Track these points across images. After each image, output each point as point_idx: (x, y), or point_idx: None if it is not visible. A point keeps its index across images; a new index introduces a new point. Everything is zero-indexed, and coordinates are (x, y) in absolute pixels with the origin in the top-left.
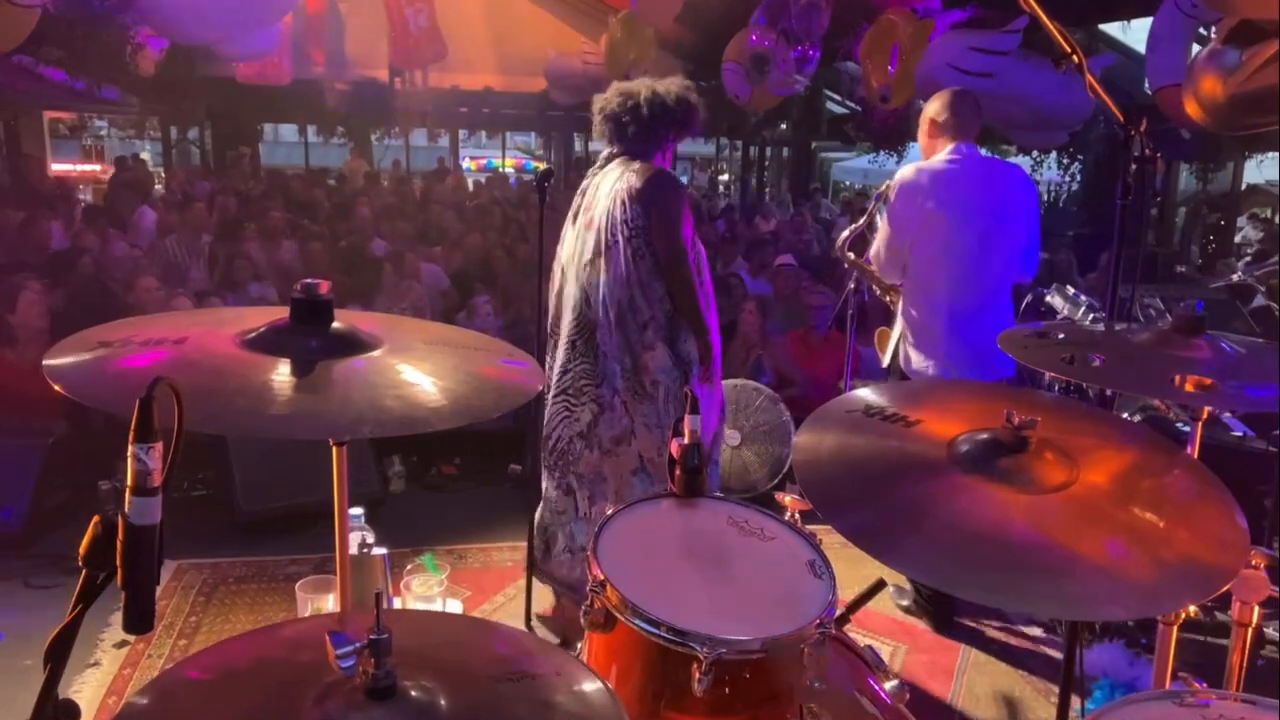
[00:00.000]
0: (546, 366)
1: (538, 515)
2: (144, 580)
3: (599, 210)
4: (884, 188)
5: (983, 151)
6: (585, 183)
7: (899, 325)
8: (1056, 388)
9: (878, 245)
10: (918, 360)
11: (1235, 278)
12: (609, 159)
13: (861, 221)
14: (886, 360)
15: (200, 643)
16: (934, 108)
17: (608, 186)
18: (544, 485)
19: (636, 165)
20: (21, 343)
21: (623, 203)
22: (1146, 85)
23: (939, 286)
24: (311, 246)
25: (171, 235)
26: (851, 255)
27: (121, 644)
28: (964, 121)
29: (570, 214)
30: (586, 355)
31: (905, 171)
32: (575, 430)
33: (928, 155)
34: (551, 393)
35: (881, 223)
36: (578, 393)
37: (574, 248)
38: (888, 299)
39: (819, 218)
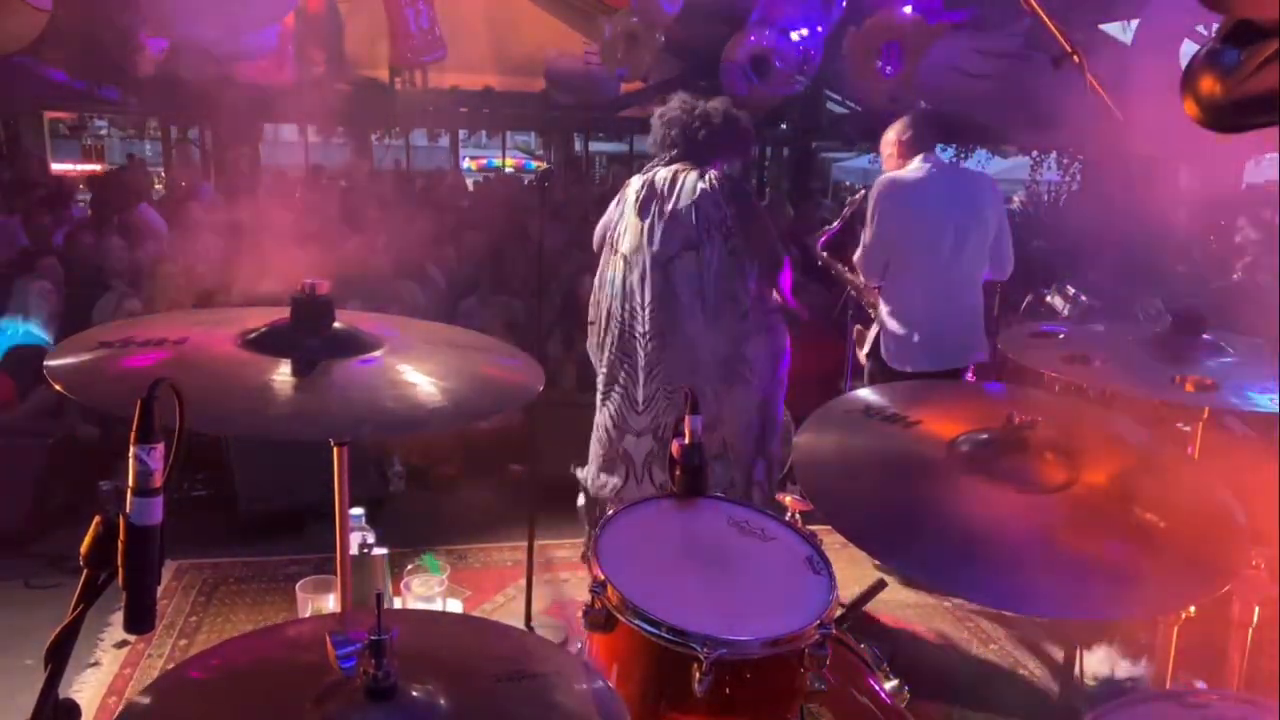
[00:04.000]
0: (607, 356)
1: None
2: (145, 580)
3: (684, 206)
4: (859, 194)
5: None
6: (644, 178)
7: (877, 322)
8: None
9: (860, 249)
10: (898, 351)
11: (1235, 278)
12: (668, 163)
13: (837, 224)
14: (863, 355)
15: (201, 643)
16: (897, 129)
17: (690, 185)
18: (629, 486)
19: (711, 170)
20: None
21: (716, 203)
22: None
23: (916, 282)
24: (315, 246)
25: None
26: (826, 255)
27: (122, 644)
28: (924, 135)
29: (632, 207)
30: (675, 345)
31: (883, 179)
32: (675, 417)
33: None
34: (650, 382)
35: (864, 228)
36: (670, 380)
37: (641, 240)
38: (865, 301)
39: (819, 218)
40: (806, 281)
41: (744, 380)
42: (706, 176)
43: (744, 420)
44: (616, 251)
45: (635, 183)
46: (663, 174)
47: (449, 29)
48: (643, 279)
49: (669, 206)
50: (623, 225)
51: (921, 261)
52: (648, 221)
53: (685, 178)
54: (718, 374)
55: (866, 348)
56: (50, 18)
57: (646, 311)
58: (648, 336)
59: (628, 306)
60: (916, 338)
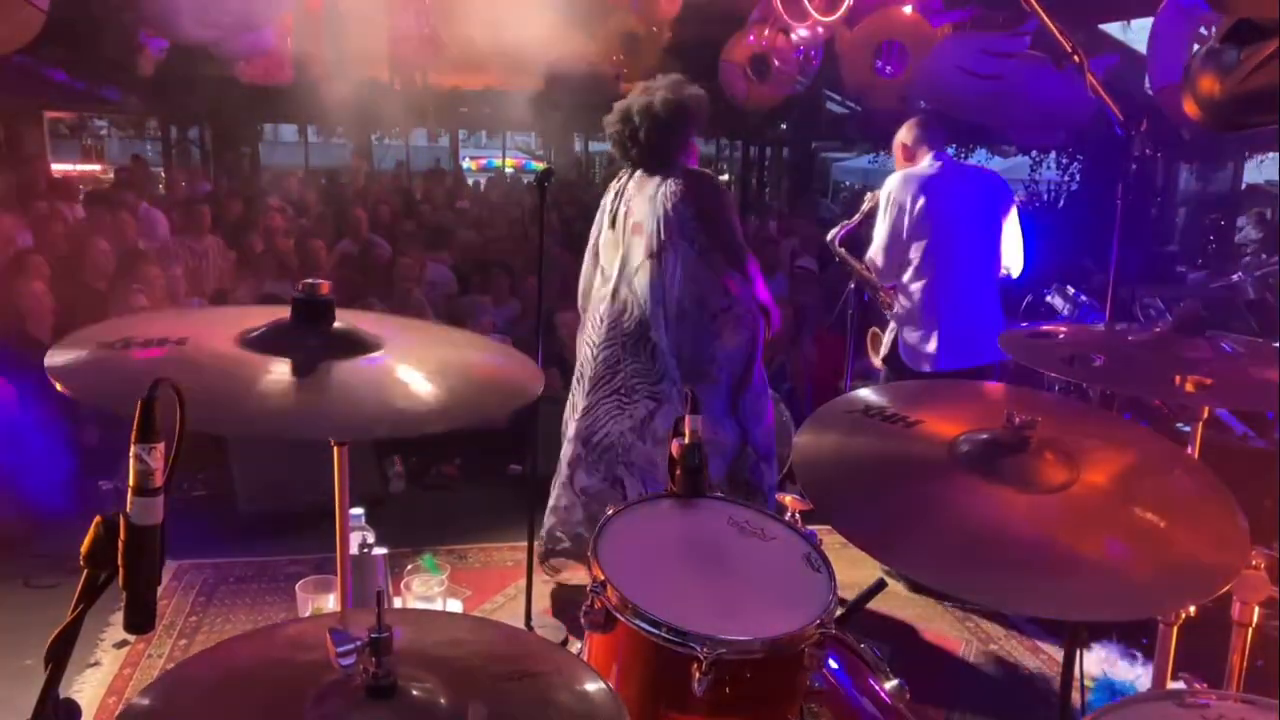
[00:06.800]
0: (579, 362)
1: (548, 524)
2: (145, 580)
3: (645, 214)
4: (877, 191)
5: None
6: (618, 185)
7: (893, 322)
8: (1057, 387)
9: (875, 248)
10: (916, 349)
11: (1235, 277)
12: (634, 166)
13: (855, 218)
14: (879, 360)
15: (201, 643)
16: (902, 133)
17: (651, 191)
18: (561, 489)
19: (673, 172)
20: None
21: (675, 206)
22: (1147, 85)
23: (934, 278)
24: (312, 245)
25: (179, 235)
26: (843, 251)
27: (122, 644)
28: (933, 135)
29: (606, 217)
30: (639, 354)
31: (894, 177)
32: (627, 425)
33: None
34: (595, 391)
35: (878, 228)
36: (629, 391)
37: (616, 252)
38: (880, 298)
39: (818, 218)
40: (806, 284)
41: (712, 379)
42: (668, 181)
43: (714, 417)
44: (597, 264)
45: (609, 195)
46: (629, 183)
47: (449, 29)
48: (613, 293)
49: (635, 220)
50: (602, 239)
51: (937, 258)
52: (615, 232)
53: (648, 185)
54: (686, 377)
55: (884, 351)
56: (50, 18)
57: (604, 326)
58: (599, 347)
59: (593, 319)
60: (936, 336)
